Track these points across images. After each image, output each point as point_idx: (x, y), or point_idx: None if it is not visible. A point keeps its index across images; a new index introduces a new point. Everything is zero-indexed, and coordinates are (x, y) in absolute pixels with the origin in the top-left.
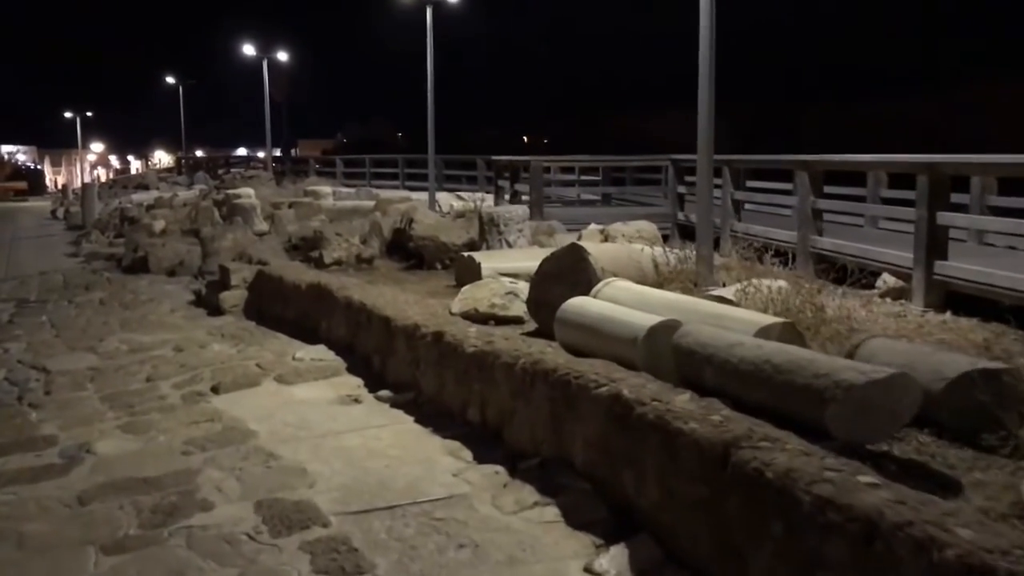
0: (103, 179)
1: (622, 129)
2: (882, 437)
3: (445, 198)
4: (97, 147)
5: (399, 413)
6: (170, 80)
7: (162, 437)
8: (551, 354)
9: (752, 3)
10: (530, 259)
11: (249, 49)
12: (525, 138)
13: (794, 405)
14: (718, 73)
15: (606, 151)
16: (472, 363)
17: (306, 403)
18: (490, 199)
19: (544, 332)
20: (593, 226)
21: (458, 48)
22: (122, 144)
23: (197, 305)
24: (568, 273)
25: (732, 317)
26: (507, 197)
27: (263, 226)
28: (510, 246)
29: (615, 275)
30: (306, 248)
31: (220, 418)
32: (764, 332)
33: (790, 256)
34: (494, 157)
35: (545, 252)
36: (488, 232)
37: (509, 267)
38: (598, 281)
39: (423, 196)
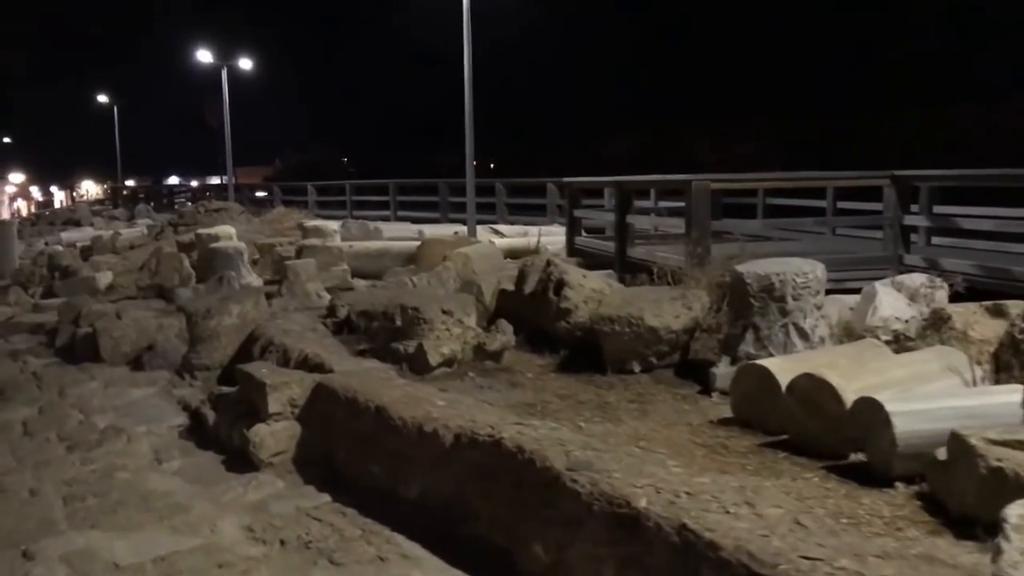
0: (25, 213)
1: (565, 151)
2: None
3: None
4: (17, 177)
5: None
6: (103, 99)
7: None
8: None
9: None
10: (954, 392)
11: (205, 56)
12: (474, 161)
13: None
14: None
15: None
16: None
17: None
18: (556, 232)
19: None
20: (883, 287)
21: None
22: (44, 173)
23: (200, 442)
24: None
25: None
26: (583, 233)
27: (253, 279)
28: (805, 338)
29: None
30: (377, 330)
31: None
32: None
33: None
34: (567, 179)
35: (941, 359)
36: (762, 310)
37: (943, 409)
38: None
39: (432, 229)
